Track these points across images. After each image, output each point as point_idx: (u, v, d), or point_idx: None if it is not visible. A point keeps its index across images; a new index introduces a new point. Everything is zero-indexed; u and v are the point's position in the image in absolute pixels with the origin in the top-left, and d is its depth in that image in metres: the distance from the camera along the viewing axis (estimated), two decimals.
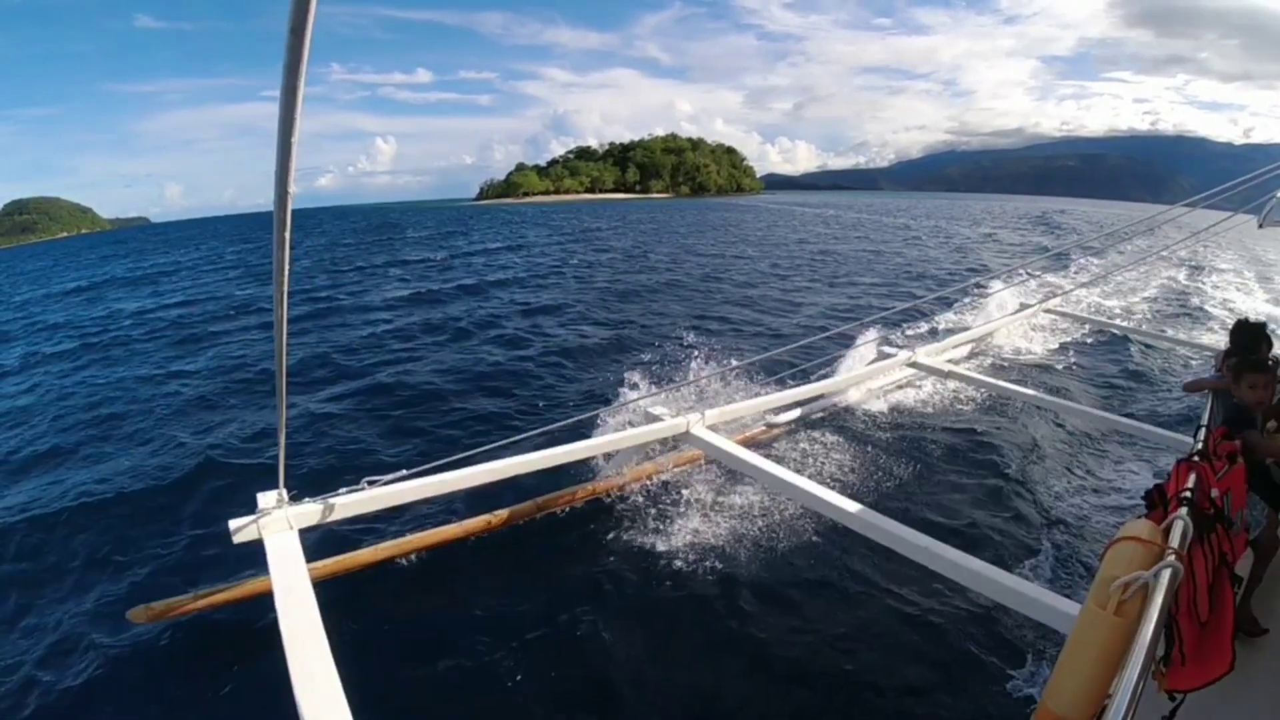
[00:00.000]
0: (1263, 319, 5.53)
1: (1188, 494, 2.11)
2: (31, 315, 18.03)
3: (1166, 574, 1.66)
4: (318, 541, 3.98)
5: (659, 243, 31.60)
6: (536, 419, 5.86)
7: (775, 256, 24.80)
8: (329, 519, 3.28)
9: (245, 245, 42.15)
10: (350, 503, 3.33)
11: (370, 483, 3.36)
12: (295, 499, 3.17)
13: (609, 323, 12.59)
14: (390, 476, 3.38)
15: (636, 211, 72.73)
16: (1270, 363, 3.64)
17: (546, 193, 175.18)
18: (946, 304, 11.62)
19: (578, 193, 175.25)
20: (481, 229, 46.02)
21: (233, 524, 2.99)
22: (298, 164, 1.44)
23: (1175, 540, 1.82)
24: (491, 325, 12.44)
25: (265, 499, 3.08)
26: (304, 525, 3.15)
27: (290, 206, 1.54)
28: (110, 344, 12.57)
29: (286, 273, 1.74)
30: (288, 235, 1.60)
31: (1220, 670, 1.76)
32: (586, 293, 16.30)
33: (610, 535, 4.68)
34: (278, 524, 3.05)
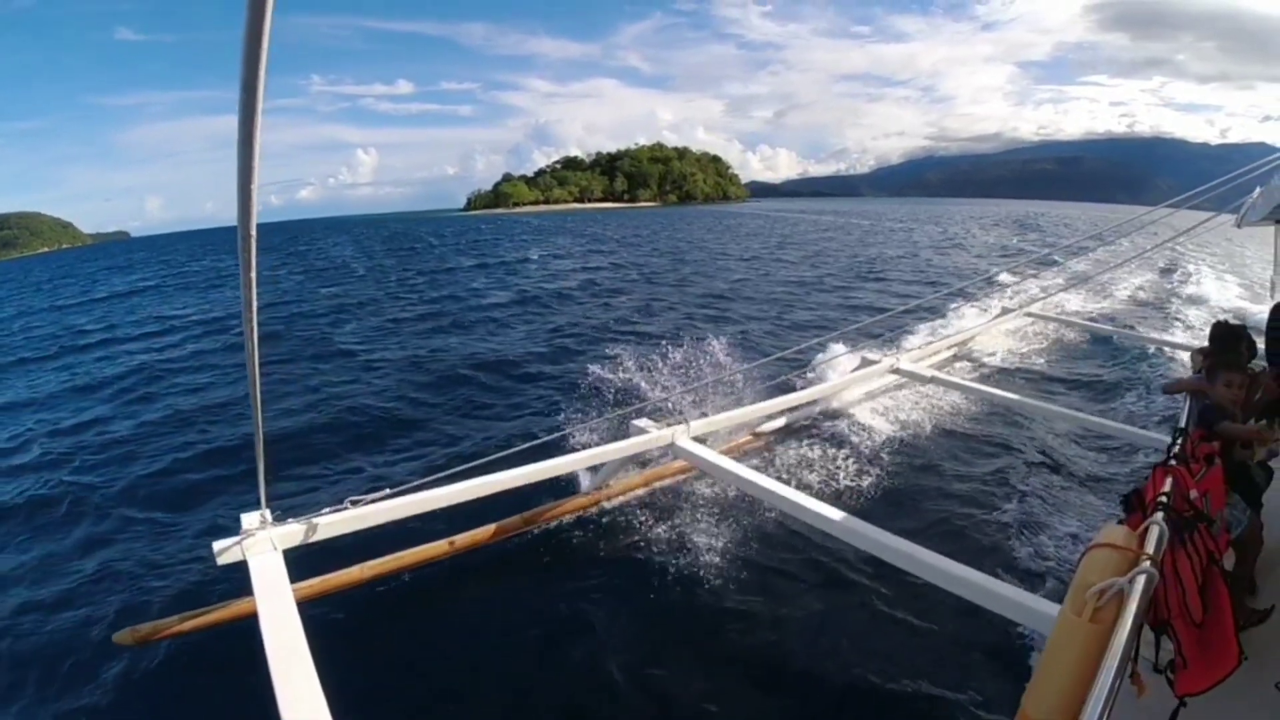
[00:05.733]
0: (1241, 320, 5.60)
1: (1164, 498, 2.12)
2: (105, 318, 18.25)
3: (1141, 580, 1.67)
4: (303, 562, 3.94)
5: (692, 249, 32.46)
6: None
7: (814, 260, 25.75)
8: (312, 539, 3.26)
9: (276, 253, 40.17)
10: (334, 522, 3.31)
11: (354, 502, 3.35)
12: (279, 519, 3.15)
13: (732, 319, 13.60)
14: (373, 496, 3.37)
15: (651, 221, 72.53)
16: (1247, 363, 3.68)
17: (536, 202, 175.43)
18: (928, 310, 11.70)
19: (567, 202, 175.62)
20: (505, 239, 45.72)
21: (216, 545, 2.97)
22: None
23: (1151, 546, 1.83)
24: (626, 321, 13.45)
25: (249, 520, 3.06)
26: (288, 546, 3.13)
27: (255, 248, 1.64)
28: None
29: (255, 306, 1.82)
30: (253, 276, 1.71)
31: (1228, 667, 1.77)
32: (676, 294, 17.10)
33: (595, 549, 4.67)
34: (261, 545, 3.03)
